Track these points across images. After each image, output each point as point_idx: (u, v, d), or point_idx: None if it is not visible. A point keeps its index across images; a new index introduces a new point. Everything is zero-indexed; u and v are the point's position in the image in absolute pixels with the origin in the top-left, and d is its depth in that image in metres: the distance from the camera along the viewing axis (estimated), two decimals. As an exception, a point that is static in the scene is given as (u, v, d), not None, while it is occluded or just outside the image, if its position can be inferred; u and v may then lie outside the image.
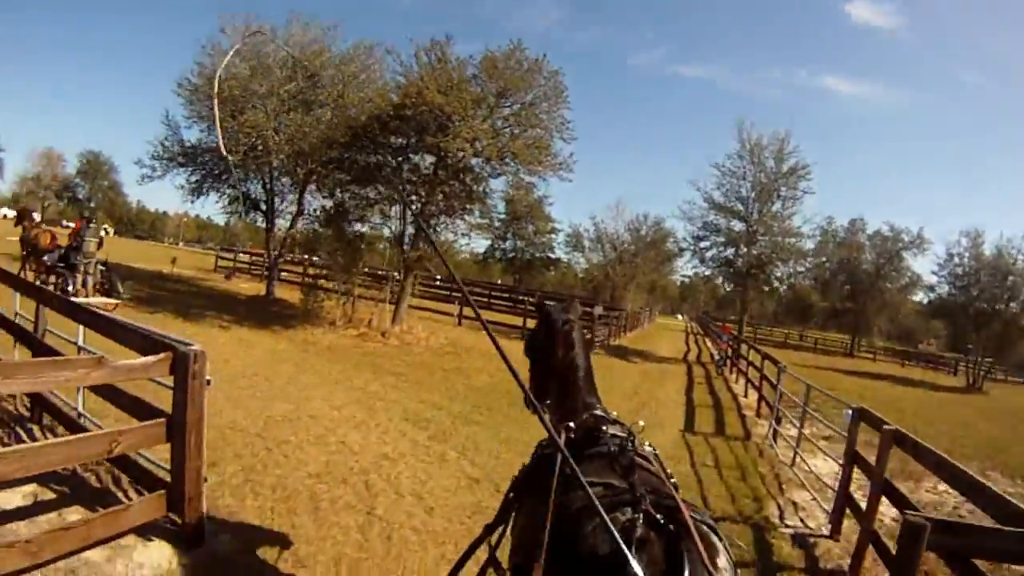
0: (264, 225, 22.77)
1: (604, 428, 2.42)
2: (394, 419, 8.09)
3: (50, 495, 4.24)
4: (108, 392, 4.00)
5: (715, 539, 1.85)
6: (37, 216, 22.70)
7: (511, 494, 2.57)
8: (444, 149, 14.76)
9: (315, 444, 6.46)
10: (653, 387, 15.17)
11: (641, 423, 2.56)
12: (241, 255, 35.22)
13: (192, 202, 22.47)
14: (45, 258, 14.94)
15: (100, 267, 15.09)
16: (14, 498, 4.01)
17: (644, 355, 22.78)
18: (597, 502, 1.73)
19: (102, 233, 15.52)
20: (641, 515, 1.80)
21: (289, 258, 25.46)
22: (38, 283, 13.83)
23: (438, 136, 14.70)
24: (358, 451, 6.45)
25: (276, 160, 19.15)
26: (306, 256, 24.96)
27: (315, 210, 20.67)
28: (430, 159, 16.37)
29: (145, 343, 3.47)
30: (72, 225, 16.06)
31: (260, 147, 18.15)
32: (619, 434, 2.38)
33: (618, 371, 17.13)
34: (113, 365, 2.98)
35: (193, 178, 21.71)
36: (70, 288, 13.96)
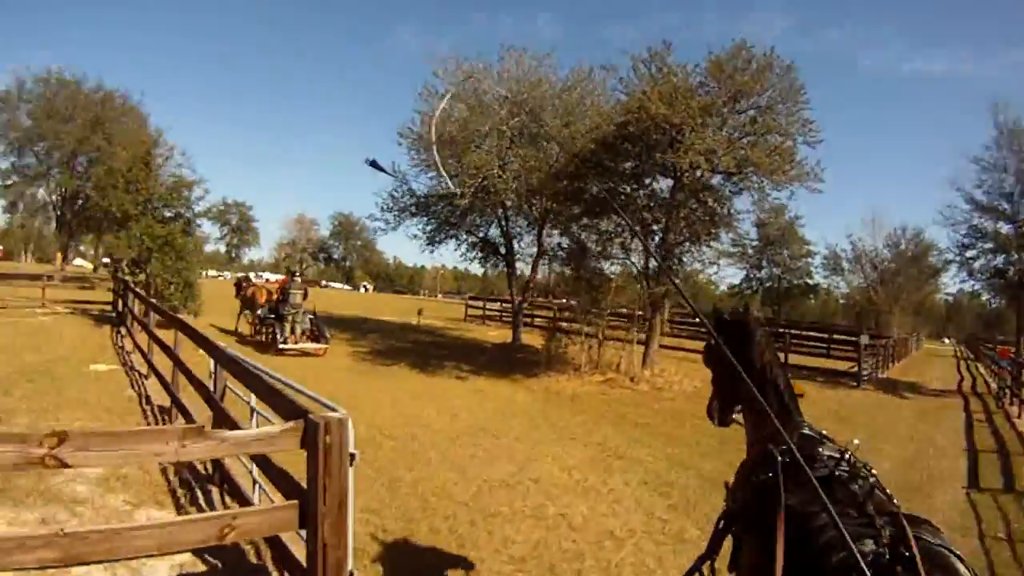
0: (505, 269, 24.08)
1: (819, 450, 2.48)
2: (631, 483, 7.81)
3: (200, 567, 4.49)
4: (260, 461, 4.12)
5: (962, 568, 1.86)
6: (268, 276, 26.56)
7: (721, 523, 2.76)
8: (678, 167, 14.59)
9: (530, 516, 6.37)
10: (929, 429, 13.64)
11: (856, 441, 2.53)
12: (491, 303, 37.68)
13: (431, 252, 24.56)
14: (259, 312, 18.93)
15: (309, 316, 18.15)
16: (160, 567, 4.32)
17: (915, 388, 20.83)
18: (847, 535, 1.69)
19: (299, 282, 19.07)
20: (886, 547, 1.86)
21: (536, 301, 26.46)
22: (254, 333, 19.26)
23: (668, 152, 14.54)
24: (579, 527, 6.20)
25: (508, 199, 20.13)
26: (550, 298, 25.79)
27: (553, 249, 21.30)
28: (666, 182, 16.32)
29: (288, 408, 3.53)
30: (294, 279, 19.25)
31: (489, 188, 19.21)
32: (834, 455, 2.43)
33: (890, 410, 15.84)
34: (219, 437, 3.03)
35: (428, 227, 23.60)
36: (279, 336, 17.22)
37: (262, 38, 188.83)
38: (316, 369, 15.19)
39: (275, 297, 18.56)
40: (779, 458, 2.40)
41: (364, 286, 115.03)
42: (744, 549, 2.52)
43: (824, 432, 2.66)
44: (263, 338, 18.36)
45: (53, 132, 36.70)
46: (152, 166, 20.19)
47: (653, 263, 16.21)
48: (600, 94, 19.51)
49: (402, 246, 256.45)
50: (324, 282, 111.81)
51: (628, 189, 16.51)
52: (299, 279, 19.40)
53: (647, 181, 16.64)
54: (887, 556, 1.82)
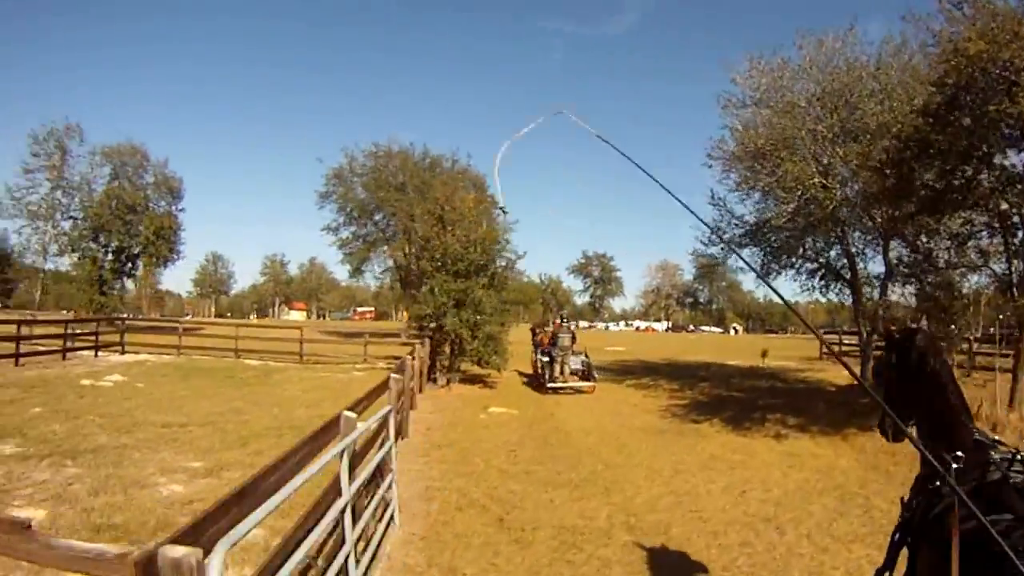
0: (851, 297, 19.96)
1: (992, 454, 2.55)
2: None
3: None
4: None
5: None
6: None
7: (897, 535, 2.93)
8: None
9: None
10: None
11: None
12: (850, 336, 31.85)
13: (766, 284, 21.44)
14: (539, 353, 21.14)
15: (581, 358, 20.59)
16: None
17: None
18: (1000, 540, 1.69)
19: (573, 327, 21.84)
20: None
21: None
22: (534, 373, 21.56)
23: (1005, 104, 10.32)
24: None
25: (840, 212, 16.54)
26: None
27: (896, 264, 16.99)
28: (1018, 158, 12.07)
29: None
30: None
31: (812, 201, 15.93)
32: (1007, 458, 2.52)
33: None
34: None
35: (761, 257, 20.65)
36: (546, 375, 19.65)
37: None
38: (610, 427, 14.16)
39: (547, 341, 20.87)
40: (953, 465, 2.46)
41: (734, 328, 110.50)
42: (919, 559, 2.64)
43: (997, 438, 2.79)
44: (540, 379, 20.42)
45: (386, 200, 39.46)
46: (447, 222, 20.18)
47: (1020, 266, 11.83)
48: (920, 61, 15.01)
49: (778, 284, 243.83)
50: (692, 327, 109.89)
51: (968, 171, 12.18)
52: (566, 323, 21.61)
53: (991, 155, 12.14)
54: None
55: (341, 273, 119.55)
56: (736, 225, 20.24)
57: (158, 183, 44.52)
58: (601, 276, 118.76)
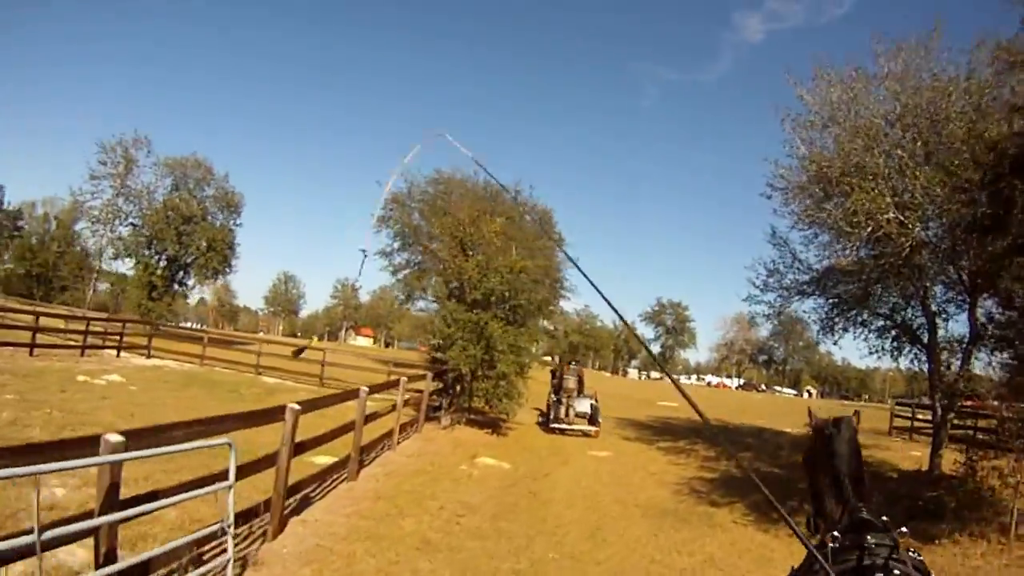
0: (926, 363, 16.69)
1: (868, 537, 2.58)
2: None
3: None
4: None
5: None
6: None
7: None
8: None
9: None
10: None
11: (904, 529, 2.61)
12: (923, 409, 27.85)
13: (834, 343, 18.23)
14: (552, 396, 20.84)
15: (591, 401, 19.98)
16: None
17: None
18: None
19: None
20: None
21: (968, 408, 18.18)
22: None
23: None
24: None
25: (919, 256, 13.65)
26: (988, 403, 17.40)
27: (985, 324, 13.91)
28: None
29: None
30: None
31: (883, 241, 13.21)
32: (884, 543, 2.56)
33: None
34: None
35: (825, 310, 17.51)
36: (551, 415, 19.89)
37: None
38: (606, 499, 11.53)
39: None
40: (830, 544, 2.62)
41: (808, 391, 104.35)
42: None
43: (885, 518, 2.76)
44: (546, 418, 20.42)
45: (443, 229, 37.72)
46: (466, 245, 18.20)
47: None
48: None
49: (850, 347, 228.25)
50: (763, 386, 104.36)
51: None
52: (574, 367, 21.69)
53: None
54: None
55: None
56: (799, 270, 17.42)
57: (217, 197, 44.48)
58: (674, 325, 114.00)
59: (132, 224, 43.01)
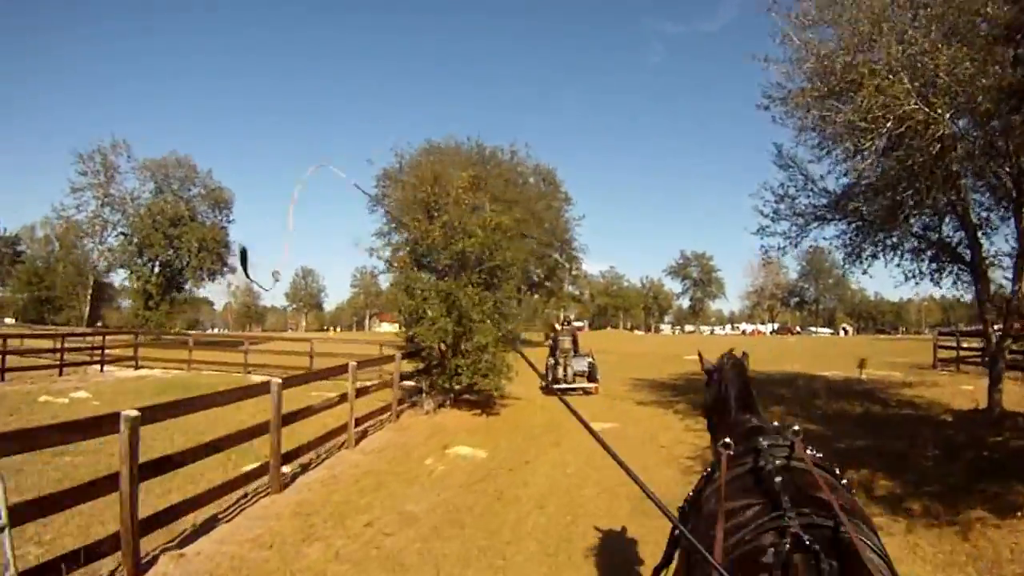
0: (974, 285, 14.12)
1: (760, 439, 2.63)
2: None
3: None
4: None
5: (872, 556, 1.88)
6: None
7: (675, 531, 2.87)
8: None
9: None
10: None
11: (796, 427, 2.60)
12: (969, 337, 25.09)
13: (863, 271, 15.53)
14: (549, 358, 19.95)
15: (588, 359, 19.74)
16: None
17: None
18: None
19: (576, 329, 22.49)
20: (786, 543, 1.88)
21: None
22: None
23: None
24: None
25: (954, 153, 11.13)
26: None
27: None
28: None
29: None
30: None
31: (908, 135, 10.70)
32: (779, 443, 2.60)
33: None
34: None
35: (848, 235, 14.90)
36: (549, 376, 18.93)
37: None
38: (589, 492, 9.10)
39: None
40: (725, 452, 2.64)
41: (844, 329, 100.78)
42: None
43: (777, 424, 2.93)
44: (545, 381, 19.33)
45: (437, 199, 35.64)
46: (432, 208, 16.04)
47: None
48: None
49: (883, 278, 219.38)
50: (797, 328, 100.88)
51: None
52: (568, 327, 21.12)
53: None
54: (786, 547, 1.84)
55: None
56: (813, 192, 14.83)
57: (205, 195, 42.81)
58: (701, 277, 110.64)
59: (122, 234, 41.67)
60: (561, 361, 19.32)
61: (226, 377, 22.23)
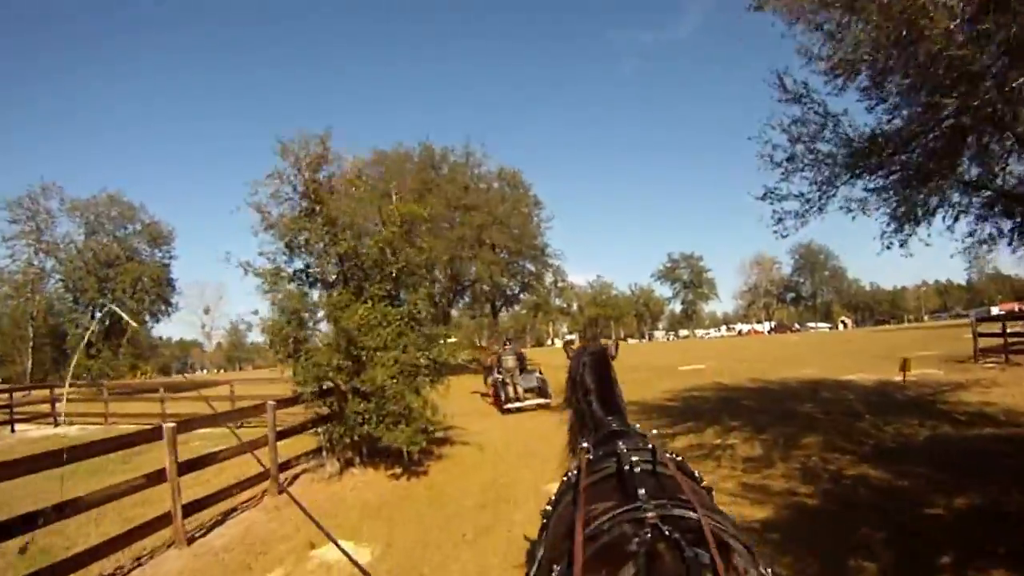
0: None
1: (619, 443, 2.58)
2: None
3: None
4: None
5: (735, 543, 1.86)
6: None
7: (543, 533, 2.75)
8: None
9: None
10: None
11: (654, 431, 2.72)
12: (1014, 321, 20.65)
13: (925, 239, 10.79)
14: (494, 376, 20.01)
15: (537, 375, 19.79)
16: None
17: None
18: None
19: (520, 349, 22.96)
20: (647, 532, 1.83)
21: None
22: (492, 395, 19.98)
23: None
24: None
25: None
26: None
27: None
28: None
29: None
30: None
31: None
32: (640, 447, 2.57)
33: None
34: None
35: (895, 190, 10.51)
36: (501, 395, 19.05)
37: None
38: None
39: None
40: (586, 455, 2.63)
41: (842, 322, 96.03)
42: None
43: (638, 427, 2.90)
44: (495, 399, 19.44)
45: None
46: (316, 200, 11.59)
47: None
48: None
49: (880, 267, 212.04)
50: (795, 325, 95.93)
51: None
52: (510, 346, 20.77)
53: None
54: (647, 535, 1.79)
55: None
56: (836, 137, 10.43)
57: (141, 231, 38.80)
58: (691, 279, 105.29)
59: (62, 281, 37.66)
60: (508, 379, 19.09)
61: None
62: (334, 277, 11.06)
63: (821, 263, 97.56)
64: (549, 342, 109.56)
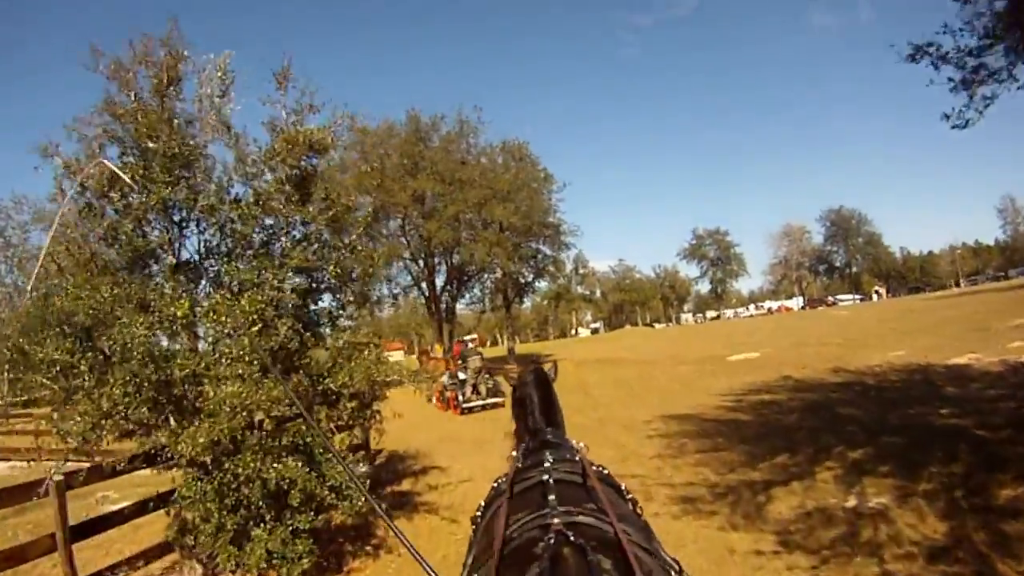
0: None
1: (547, 453, 2.48)
2: None
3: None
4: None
5: (640, 551, 1.75)
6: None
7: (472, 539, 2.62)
8: None
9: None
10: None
11: (582, 444, 2.52)
12: None
13: None
14: (443, 380, 20.63)
15: (495, 379, 20.43)
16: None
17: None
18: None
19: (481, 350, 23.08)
20: (551, 536, 1.71)
21: None
22: (437, 400, 20.99)
23: None
24: None
25: None
26: None
27: None
28: None
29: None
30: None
31: None
32: (565, 458, 2.45)
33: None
34: None
35: None
36: (460, 397, 19.56)
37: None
38: None
39: (454, 367, 21.44)
40: (517, 464, 2.49)
41: (876, 292, 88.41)
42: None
43: (576, 441, 2.65)
44: (446, 404, 20.26)
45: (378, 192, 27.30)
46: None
47: None
48: None
49: (914, 231, 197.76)
50: (831, 298, 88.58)
51: None
52: (472, 346, 22.32)
53: None
54: (551, 540, 1.64)
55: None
56: None
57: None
58: (718, 255, 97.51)
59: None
60: (471, 381, 19.84)
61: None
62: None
63: (854, 229, 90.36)
64: (573, 332, 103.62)
